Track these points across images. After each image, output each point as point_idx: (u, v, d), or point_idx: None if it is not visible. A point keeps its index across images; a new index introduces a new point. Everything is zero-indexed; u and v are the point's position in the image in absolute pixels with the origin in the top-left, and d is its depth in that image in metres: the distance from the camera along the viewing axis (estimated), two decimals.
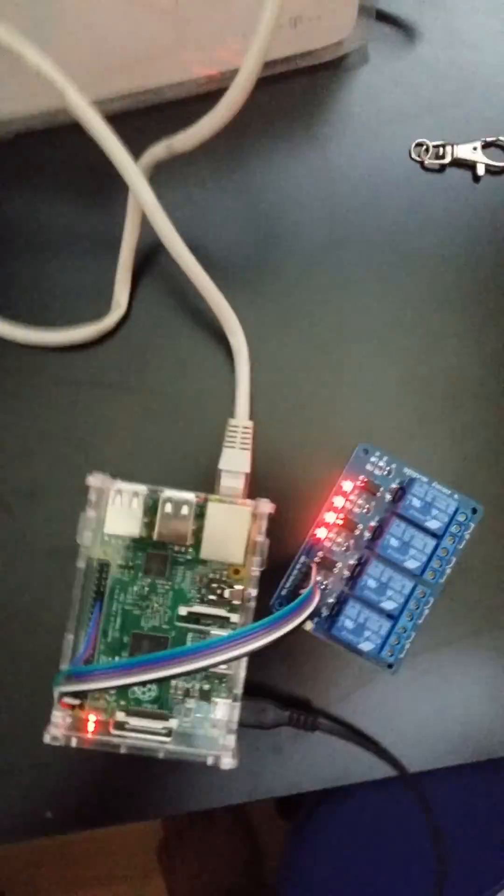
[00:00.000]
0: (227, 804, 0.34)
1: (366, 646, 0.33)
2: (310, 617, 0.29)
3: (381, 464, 0.35)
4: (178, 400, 0.36)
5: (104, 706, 0.32)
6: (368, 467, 0.35)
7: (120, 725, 0.31)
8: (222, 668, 0.32)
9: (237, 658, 0.26)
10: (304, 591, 0.33)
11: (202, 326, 0.36)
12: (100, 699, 0.32)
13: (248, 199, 0.37)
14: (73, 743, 0.30)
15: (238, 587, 0.33)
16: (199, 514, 0.32)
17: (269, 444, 0.36)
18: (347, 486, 0.35)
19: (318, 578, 0.34)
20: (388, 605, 0.33)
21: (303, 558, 0.35)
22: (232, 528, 0.32)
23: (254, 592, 0.31)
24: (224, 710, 0.33)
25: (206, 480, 0.34)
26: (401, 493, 0.35)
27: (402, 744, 0.34)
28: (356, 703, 0.35)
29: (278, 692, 0.35)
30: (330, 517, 0.35)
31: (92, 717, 0.32)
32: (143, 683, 0.26)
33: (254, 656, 0.28)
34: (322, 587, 0.35)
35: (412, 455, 0.36)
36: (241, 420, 0.34)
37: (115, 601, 0.33)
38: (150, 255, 0.37)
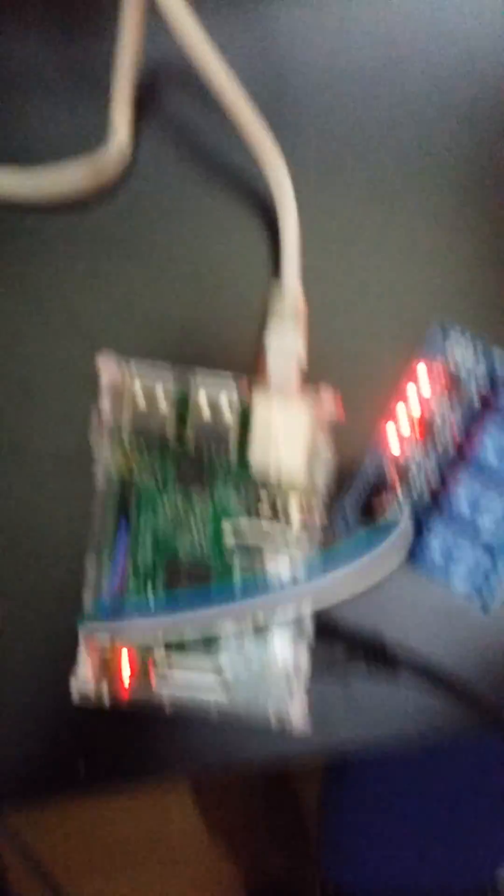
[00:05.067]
0: (293, 758, 0.28)
1: (459, 582, 0.27)
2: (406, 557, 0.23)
3: (463, 344, 0.28)
4: (202, 266, 0.28)
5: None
6: (449, 350, 0.28)
7: (162, 676, 0.26)
8: None
9: (324, 607, 0.20)
10: (380, 511, 0.26)
11: (228, 169, 0.28)
12: None
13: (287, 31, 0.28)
14: (106, 700, 0.24)
15: (295, 500, 0.26)
16: (243, 409, 0.25)
17: (320, 327, 0.28)
18: (424, 376, 0.28)
19: (399, 497, 0.28)
20: (485, 534, 0.27)
21: (372, 467, 0.28)
22: (287, 428, 0.25)
23: (319, 506, 0.25)
24: (290, 653, 0.27)
25: (244, 372, 0.27)
26: (491, 384, 0.28)
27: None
28: (442, 644, 0.29)
29: (343, 627, 0.29)
30: (402, 411, 0.28)
31: (126, 668, 0.26)
32: (196, 635, 0.20)
33: None
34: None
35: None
36: (291, 285, 0.26)
37: (142, 520, 0.26)
38: (152, 85, 0.28)
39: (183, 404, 0.25)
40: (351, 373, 0.28)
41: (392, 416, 0.28)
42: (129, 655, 0.26)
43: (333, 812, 0.49)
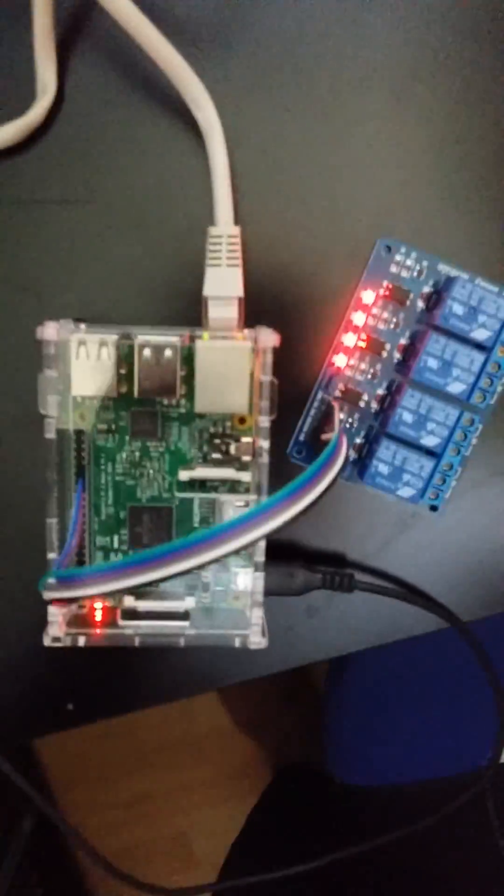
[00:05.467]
0: (259, 675, 0.30)
1: (405, 492, 0.28)
2: (340, 472, 0.23)
3: (408, 262, 0.28)
4: (143, 209, 0.28)
5: None
6: (393, 269, 0.28)
7: (129, 613, 0.27)
8: None
9: (258, 540, 0.21)
10: (327, 437, 0.27)
11: (160, 107, 0.27)
12: None
13: None
14: (81, 642, 0.26)
15: (246, 440, 0.27)
16: (188, 356, 0.25)
17: (263, 256, 0.28)
18: (368, 296, 0.28)
19: (342, 417, 0.28)
20: (430, 441, 0.27)
21: (320, 394, 0.29)
22: (229, 370, 0.25)
23: (265, 444, 0.25)
24: (246, 579, 0.28)
25: (193, 314, 0.27)
26: (436, 298, 0.28)
27: (452, 593, 0.30)
28: (396, 552, 0.30)
29: (305, 549, 0.30)
30: (349, 339, 0.28)
31: (98, 607, 0.27)
32: (148, 584, 0.21)
33: None
34: (348, 427, 0.29)
35: (447, 248, 0.28)
36: (225, 227, 0.26)
37: (102, 473, 0.27)
38: (75, 21, 0.27)
39: (128, 360, 0.25)
40: (298, 297, 0.28)
41: (338, 343, 0.28)
42: (94, 605, 0.27)
43: (333, 712, 0.52)
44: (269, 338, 0.24)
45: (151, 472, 0.27)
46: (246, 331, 0.25)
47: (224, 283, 0.25)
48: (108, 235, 0.28)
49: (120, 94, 0.27)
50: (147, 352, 0.25)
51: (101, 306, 0.28)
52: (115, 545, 0.28)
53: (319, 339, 0.29)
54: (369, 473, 0.28)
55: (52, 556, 0.26)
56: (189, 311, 0.27)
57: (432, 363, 0.27)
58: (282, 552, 0.30)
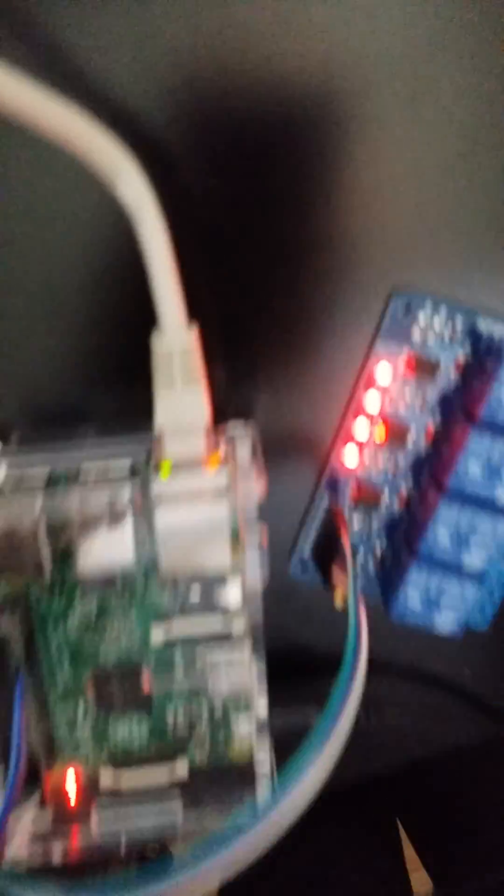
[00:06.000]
0: None
1: (444, 624, 0.21)
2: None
3: (435, 322, 0.20)
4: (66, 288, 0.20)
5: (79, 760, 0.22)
6: (416, 333, 0.20)
7: (108, 795, 0.22)
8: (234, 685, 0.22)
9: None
10: (340, 605, 0.20)
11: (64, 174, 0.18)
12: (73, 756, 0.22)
13: None
14: (55, 857, 0.20)
15: (233, 585, 0.20)
16: (145, 508, 0.18)
17: (241, 319, 0.20)
18: (383, 370, 0.20)
19: (349, 544, 0.21)
20: (473, 563, 0.21)
21: (326, 497, 0.22)
22: (200, 528, 0.18)
23: (258, 584, 0.19)
24: (248, 727, 0.23)
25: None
26: (475, 365, 0.20)
27: None
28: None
29: (314, 661, 0.24)
30: (361, 426, 0.21)
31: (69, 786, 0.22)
32: None
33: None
34: (363, 538, 0.22)
35: (489, 298, 0.20)
36: (175, 337, 0.17)
37: (49, 636, 0.21)
38: None
39: (61, 519, 0.18)
40: (291, 374, 0.21)
41: (345, 431, 0.21)
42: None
43: None
44: (251, 489, 0.17)
45: (116, 629, 0.21)
46: (220, 455, 0.18)
47: (182, 410, 0.17)
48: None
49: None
50: (89, 500, 0.18)
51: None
52: (81, 714, 0.22)
53: (321, 426, 0.21)
54: (398, 606, 0.21)
55: None
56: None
57: (474, 468, 0.20)
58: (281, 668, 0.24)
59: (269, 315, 0.20)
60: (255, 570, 0.18)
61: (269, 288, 0.20)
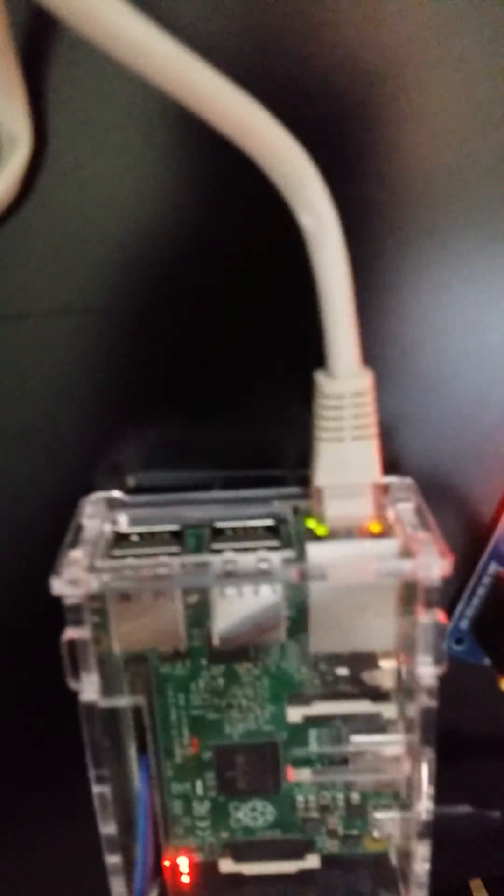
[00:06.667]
0: None
1: None
2: None
3: None
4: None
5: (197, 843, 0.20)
6: None
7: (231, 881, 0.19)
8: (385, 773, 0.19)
9: None
10: None
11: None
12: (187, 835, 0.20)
13: None
14: None
15: (386, 664, 0.18)
16: (294, 589, 0.16)
17: (399, 359, 0.17)
18: None
19: None
20: None
21: (492, 566, 0.19)
22: (364, 602, 0.16)
23: (430, 668, 0.16)
24: (391, 825, 0.20)
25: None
26: None
27: None
28: None
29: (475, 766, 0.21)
30: None
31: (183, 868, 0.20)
32: None
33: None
34: None
35: None
36: (346, 379, 0.15)
37: (171, 707, 0.18)
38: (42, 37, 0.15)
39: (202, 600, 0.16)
40: (457, 428, 0.18)
41: None
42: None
43: None
44: (435, 564, 0.14)
45: (243, 701, 0.18)
46: (387, 519, 0.15)
47: (350, 466, 0.15)
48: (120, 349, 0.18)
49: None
50: (232, 594, 0.16)
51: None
52: (200, 792, 0.20)
53: (491, 488, 0.18)
54: None
55: (108, 830, 0.18)
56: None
57: None
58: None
59: (435, 353, 0.18)
60: (428, 652, 0.16)
61: (438, 316, 0.17)
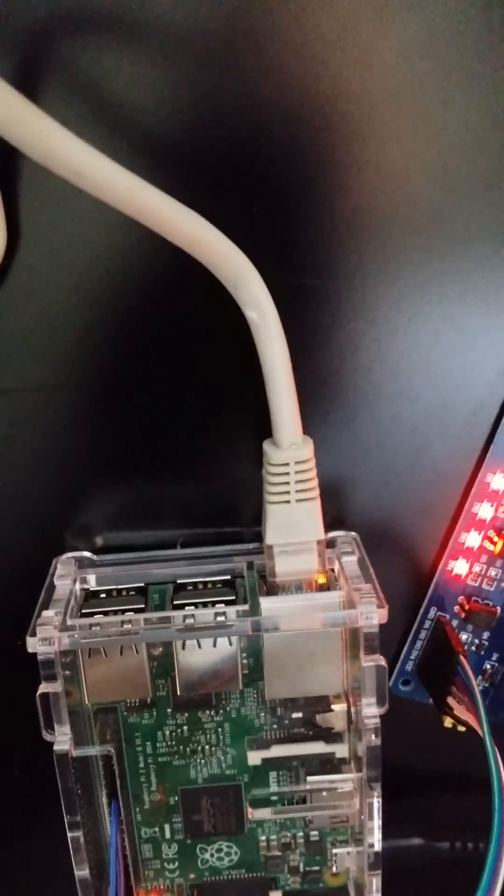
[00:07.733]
0: None
1: None
2: None
3: None
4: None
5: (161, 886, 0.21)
6: None
7: None
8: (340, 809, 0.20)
9: None
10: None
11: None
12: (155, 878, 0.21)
13: None
14: None
15: (337, 707, 0.19)
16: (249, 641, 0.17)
17: (344, 428, 0.19)
18: (498, 482, 0.19)
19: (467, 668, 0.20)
20: None
21: (433, 611, 0.20)
22: (314, 653, 0.17)
23: (374, 709, 0.17)
24: (347, 859, 0.21)
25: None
26: None
27: None
28: None
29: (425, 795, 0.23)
30: (472, 539, 0.20)
31: None
32: None
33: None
34: (473, 649, 0.21)
35: None
36: (289, 448, 0.17)
37: (138, 754, 0.20)
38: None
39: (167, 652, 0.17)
40: (397, 483, 0.20)
41: (455, 543, 0.20)
42: None
43: None
44: (373, 613, 0.16)
45: (206, 747, 0.20)
46: (330, 572, 0.17)
47: (296, 525, 0.17)
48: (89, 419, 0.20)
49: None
50: (191, 647, 0.17)
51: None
52: (168, 835, 0.21)
53: (429, 537, 0.20)
54: None
55: (83, 873, 0.19)
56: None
57: None
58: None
59: (375, 416, 0.20)
60: (372, 694, 0.17)
61: (375, 386, 0.19)
